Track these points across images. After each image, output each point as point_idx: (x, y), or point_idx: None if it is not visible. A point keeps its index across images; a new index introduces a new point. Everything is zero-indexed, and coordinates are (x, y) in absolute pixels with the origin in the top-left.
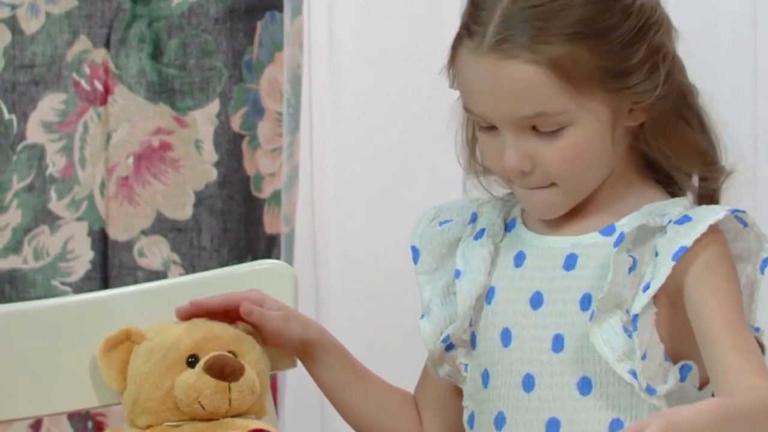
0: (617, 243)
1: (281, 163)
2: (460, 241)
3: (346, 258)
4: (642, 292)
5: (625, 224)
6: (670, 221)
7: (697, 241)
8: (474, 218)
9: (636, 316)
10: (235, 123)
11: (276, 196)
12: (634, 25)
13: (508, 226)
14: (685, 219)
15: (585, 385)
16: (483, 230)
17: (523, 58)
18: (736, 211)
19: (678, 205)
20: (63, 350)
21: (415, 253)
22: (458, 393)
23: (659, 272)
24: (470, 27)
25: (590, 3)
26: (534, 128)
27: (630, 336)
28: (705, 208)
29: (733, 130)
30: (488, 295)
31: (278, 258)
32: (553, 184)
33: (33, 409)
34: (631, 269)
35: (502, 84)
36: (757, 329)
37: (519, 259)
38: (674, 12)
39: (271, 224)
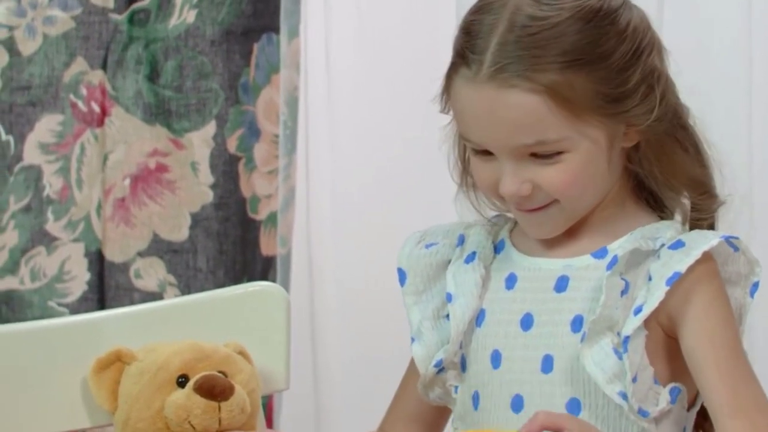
0: (610, 266)
1: (278, 185)
2: (448, 264)
3: (341, 279)
4: (633, 315)
5: (618, 247)
6: (663, 245)
7: (691, 268)
8: (462, 240)
9: (627, 338)
10: (232, 145)
11: (272, 218)
12: (629, 48)
13: (497, 248)
14: (678, 244)
15: (574, 407)
16: (474, 253)
17: (521, 87)
18: (730, 237)
19: (670, 229)
20: (58, 371)
21: (402, 275)
22: (438, 410)
23: (652, 296)
24: (466, 55)
25: (585, 29)
26: (533, 155)
27: (620, 358)
28: (698, 233)
29: (727, 152)
30: (478, 317)
31: (274, 280)
32: (555, 202)
33: (27, 429)
34: (624, 292)
35: (501, 113)
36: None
37: (510, 281)
38: (669, 33)
39: (267, 246)
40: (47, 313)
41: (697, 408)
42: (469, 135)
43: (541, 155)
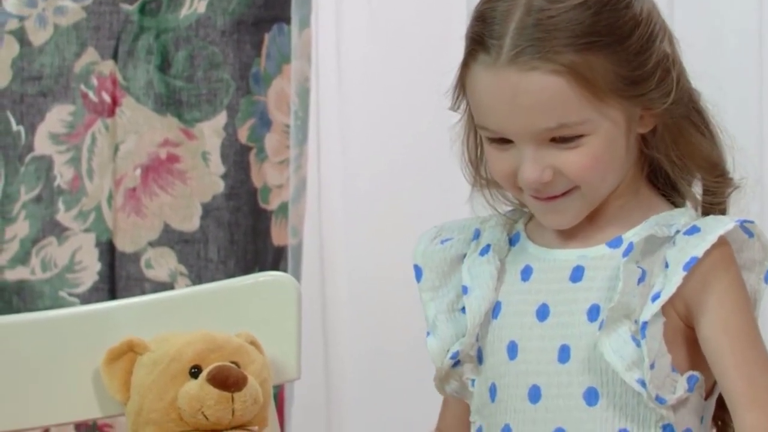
0: (626, 253)
1: (289, 175)
2: (463, 258)
3: (353, 270)
4: (651, 302)
5: (633, 235)
6: (678, 231)
7: (707, 253)
8: (477, 235)
9: (645, 323)
10: (243, 135)
11: (283, 208)
12: (644, 32)
13: (512, 241)
14: (694, 230)
15: (592, 396)
16: (488, 246)
17: (543, 69)
18: (745, 221)
19: (684, 216)
20: (70, 361)
21: (418, 271)
22: None
23: (670, 282)
24: (484, 41)
25: (602, 12)
26: (553, 140)
27: (638, 345)
28: (713, 218)
29: (739, 139)
30: (494, 309)
31: (285, 270)
32: (575, 188)
33: (40, 419)
34: (641, 280)
35: (523, 97)
36: None
37: (526, 273)
38: (680, 23)
39: (278, 236)
40: (58, 304)
41: (715, 397)
42: (488, 123)
43: (562, 140)
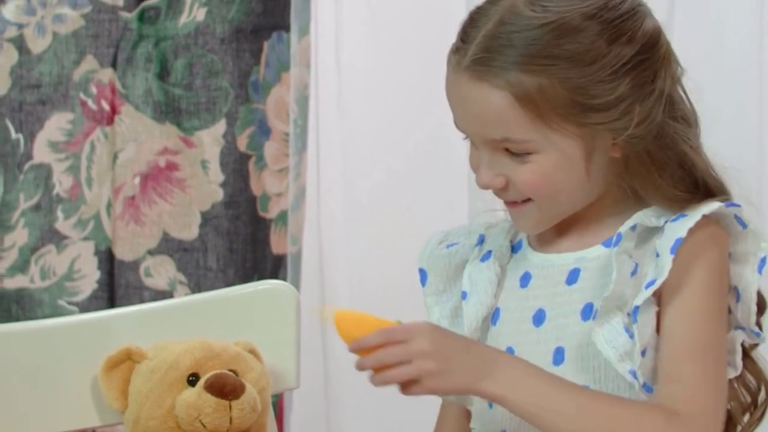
0: (615, 243)
1: (288, 184)
2: (467, 263)
3: (352, 278)
4: (645, 289)
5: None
6: (666, 222)
7: (691, 231)
8: (481, 240)
9: (637, 308)
10: (242, 143)
11: (283, 217)
12: (619, 60)
13: (514, 248)
14: (681, 216)
15: None
16: (490, 252)
17: (491, 83)
18: (732, 204)
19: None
20: (69, 369)
21: (423, 275)
22: None
23: (662, 269)
24: (458, 43)
25: (567, 35)
26: (506, 149)
27: (631, 336)
28: (701, 204)
29: (739, 139)
30: (494, 316)
31: (285, 278)
32: (530, 200)
33: (38, 428)
34: (633, 273)
35: (472, 105)
36: (758, 334)
37: (525, 279)
38: (681, 23)
39: (277, 244)
40: (57, 312)
41: None
42: (456, 121)
43: (513, 152)
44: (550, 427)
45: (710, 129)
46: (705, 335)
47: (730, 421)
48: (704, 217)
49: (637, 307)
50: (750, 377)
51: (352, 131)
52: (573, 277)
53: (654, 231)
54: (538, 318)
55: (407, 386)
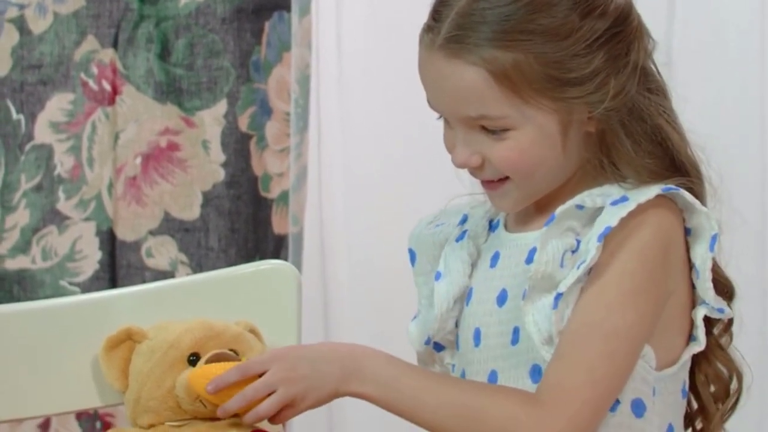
0: (547, 223)
1: (289, 164)
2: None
3: (354, 258)
4: (576, 269)
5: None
6: (608, 203)
7: (624, 221)
8: (464, 220)
9: (560, 295)
10: (243, 123)
11: (284, 197)
12: (593, 34)
13: (492, 227)
14: (622, 200)
15: (536, 373)
16: (465, 232)
17: (466, 60)
18: (670, 189)
19: (623, 189)
20: (70, 350)
21: (412, 255)
22: None
23: (588, 254)
24: (429, 22)
25: (541, 11)
26: (483, 127)
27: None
28: (644, 188)
29: (740, 137)
30: (468, 296)
31: (286, 258)
32: (507, 178)
33: (40, 409)
34: (574, 251)
35: (446, 83)
36: (721, 310)
37: (494, 259)
38: (681, 22)
39: (279, 224)
40: (59, 293)
41: (678, 367)
42: (429, 101)
43: (490, 129)
44: (410, 416)
45: (711, 121)
46: (601, 319)
47: (703, 411)
48: (639, 206)
49: (560, 294)
50: (721, 367)
51: (353, 111)
52: (531, 256)
53: (597, 210)
54: (502, 298)
55: (280, 414)
